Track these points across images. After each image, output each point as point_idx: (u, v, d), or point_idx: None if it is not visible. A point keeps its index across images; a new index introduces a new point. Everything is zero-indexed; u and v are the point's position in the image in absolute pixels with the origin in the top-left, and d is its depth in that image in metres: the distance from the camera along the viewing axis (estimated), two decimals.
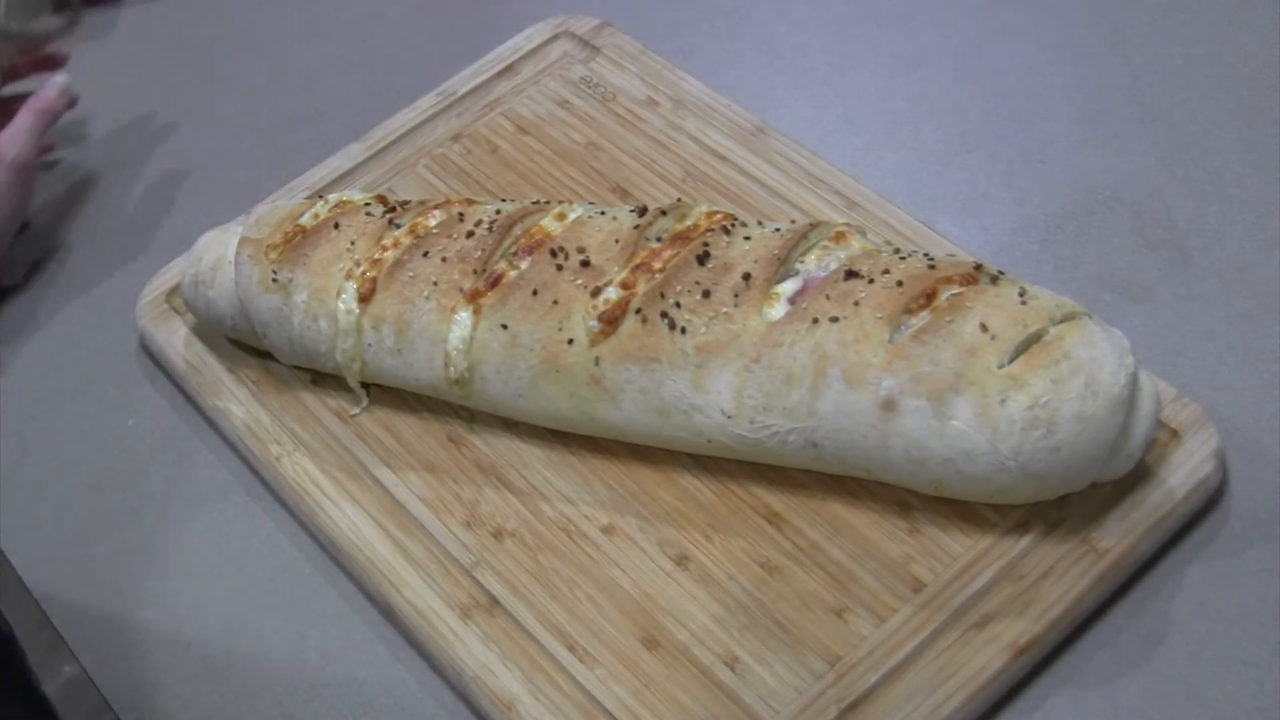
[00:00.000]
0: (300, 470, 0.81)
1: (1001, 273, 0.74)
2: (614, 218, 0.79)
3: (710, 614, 0.73)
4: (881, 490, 0.75)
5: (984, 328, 0.69)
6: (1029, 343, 0.69)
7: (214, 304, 0.85)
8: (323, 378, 0.85)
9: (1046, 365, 0.68)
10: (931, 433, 0.69)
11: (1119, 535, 0.71)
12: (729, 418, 0.73)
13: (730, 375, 0.73)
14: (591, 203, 0.86)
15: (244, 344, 0.88)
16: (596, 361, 0.75)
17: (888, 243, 0.82)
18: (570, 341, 0.76)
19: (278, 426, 0.84)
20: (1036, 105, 0.96)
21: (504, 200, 0.85)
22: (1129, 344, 0.71)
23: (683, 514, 0.77)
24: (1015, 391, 0.68)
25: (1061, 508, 0.73)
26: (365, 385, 0.84)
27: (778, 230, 0.77)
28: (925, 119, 0.97)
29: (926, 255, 0.75)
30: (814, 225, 0.77)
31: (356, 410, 0.84)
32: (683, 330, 0.74)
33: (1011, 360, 0.69)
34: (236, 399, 0.86)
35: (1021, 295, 0.71)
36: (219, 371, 0.87)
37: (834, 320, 0.71)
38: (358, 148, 0.99)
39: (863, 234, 0.78)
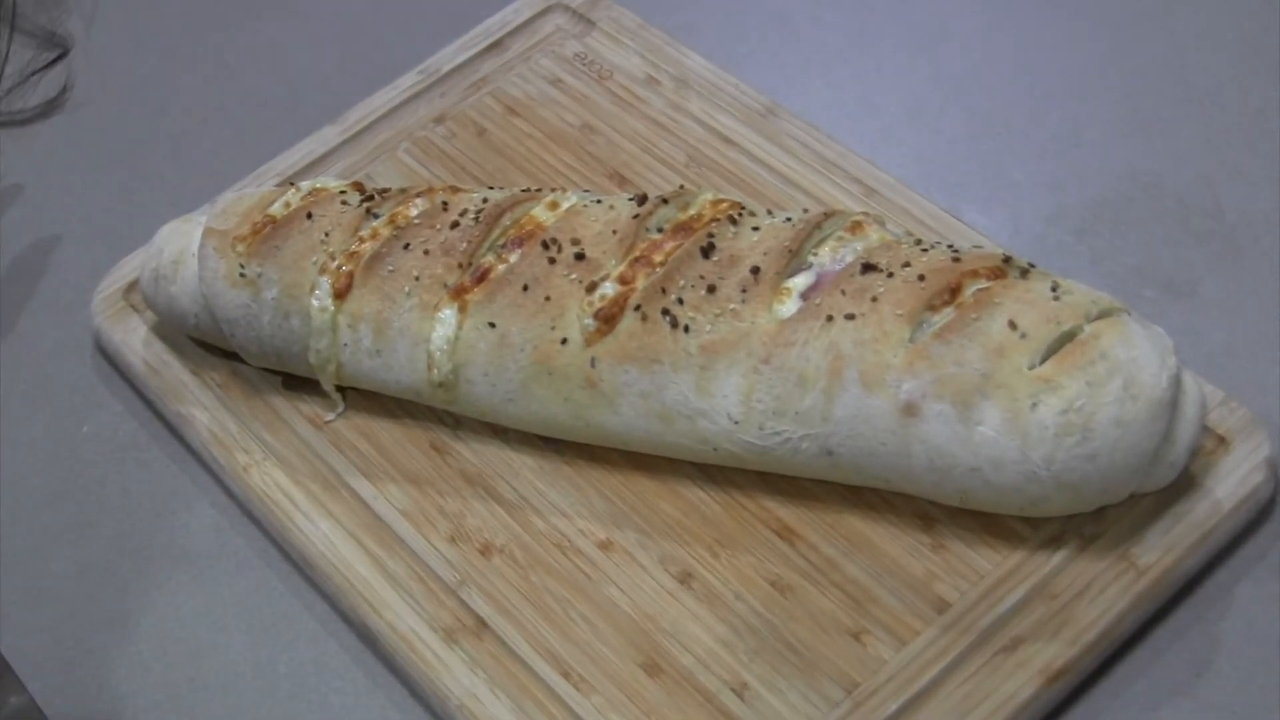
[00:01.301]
0: (270, 481, 0.82)
1: (1032, 265, 0.74)
2: (611, 207, 0.80)
3: (716, 636, 0.73)
4: (902, 502, 0.76)
5: (1013, 325, 0.70)
6: (1062, 342, 0.70)
7: (176, 301, 0.86)
8: (295, 381, 0.86)
9: (1081, 366, 0.69)
10: (956, 439, 0.70)
11: (1161, 551, 0.72)
12: (736, 423, 0.74)
13: (737, 377, 0.73)
14: (586, 190, 0.86)
15: (209, 344, 0.88)
16: (592, 363, 0.76)
17: (909, 233, 0.82)
18: (564, 341, 0.76)
19: (246, 434, 0.84)
20: (1072, 83, 0.97)
21: (491, 188, 0.86)
22: (1172, 343, 0.71)
23: (686, 528, 0.77)
24: (1047, 395, 0.68)
25: (1098, 521, 0.73)
26: (341, 389, 0.84)
27: (789, 220, 0.78)
28: (950, 99, 0.97)
29: (951, 247, 0.75)
30: (828, 214, 0.78)
31: (332, 416, 0.84)
32: (686, 329, 0.74)
33: (1043, 361, 0.69)
34: (201, 404, 0.86)
35: (1054, 290, 0.72)
36: (181, 374, 0.88)
37: (850, 317, 0.72)
38: (332, 131, 0.99)
39: (881, 224, 0.79)
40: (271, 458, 0.83)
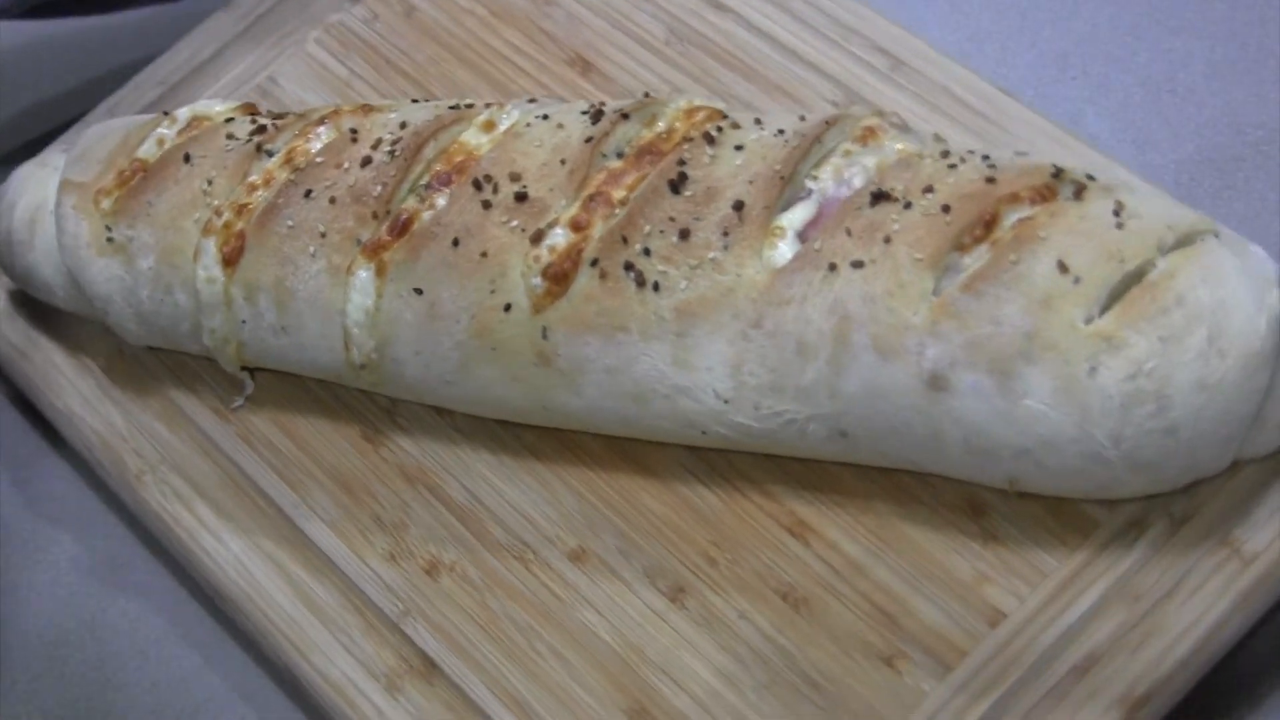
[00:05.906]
0: (169, 490, 0.83)
1: (1091, 178, 0.72)
2: (560, 125, 0.79)
3: (716, 668, 0.74)
4: (945, 485, 0.75)
5: (1063, 267, 0.68)
6: (1127, 284, 0.68)
7: (36, 271, 0.86)
8: (191, 358, 0.86)
9: (1150, 316, 0.67)
10: (997, 417, 0.69)
11: (1273, 533, 0.71)
12: (726, 403, 0.73)
13: (722, 345, 0.73)
14: (532, 100, 0.84)
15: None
16: (544, 333, 0.75)
17: (936, 137, 0.79)
18: (507, 307, 0.76)
19: (135, 430, 0.85)
20: (1164, 14, 0.94)
21: (415, 100, 0.85)
22: (1275, 271, 0.69)
23: (677, 528, 0.77)
24: (1108, 356, 0.67)
25: (1190, 497, 0.72)
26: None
27: (780, 133, 0.76)
28: (1013, 35, 0.95)
29: (985, 158, 0.73)
30: (831, 120, 0.76)
31: (239, 401, 0.85)
32: (655, 287, 0.73)
33: (1103, 312, 0.68)
34: (78, 392, 0.87)
35: (1117, 214, 0.70)
36: (53, 354, 0.89)
37: (857, 265, 0.71)
38: (227, 20, 0.99)
39: (903, 127, 0.77)
40: (168, 460, 0.84)
